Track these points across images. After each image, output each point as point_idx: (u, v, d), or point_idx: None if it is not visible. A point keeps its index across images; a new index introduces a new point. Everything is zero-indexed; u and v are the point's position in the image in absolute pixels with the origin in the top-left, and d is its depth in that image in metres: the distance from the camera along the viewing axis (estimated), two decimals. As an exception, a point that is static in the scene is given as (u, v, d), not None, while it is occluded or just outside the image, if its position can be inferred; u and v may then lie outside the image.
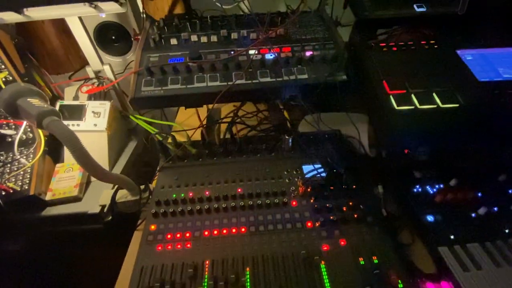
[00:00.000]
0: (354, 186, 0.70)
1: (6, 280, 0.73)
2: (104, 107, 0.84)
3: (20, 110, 0.55)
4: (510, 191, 0.68)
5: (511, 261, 0.57)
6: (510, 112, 0.57)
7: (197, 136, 0.83)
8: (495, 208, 0.65)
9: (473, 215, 0.64)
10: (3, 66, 0.75)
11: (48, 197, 0.74)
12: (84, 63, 1.37)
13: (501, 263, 0.57)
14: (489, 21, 0.79)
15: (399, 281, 0.53)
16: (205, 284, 0.53)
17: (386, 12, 0.85)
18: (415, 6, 0.86)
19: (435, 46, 0.70)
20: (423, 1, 0.87)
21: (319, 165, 0.74)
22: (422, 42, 0.71)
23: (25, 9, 0.74)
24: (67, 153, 0.84)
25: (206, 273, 0.55)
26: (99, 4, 0.75)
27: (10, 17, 0.74)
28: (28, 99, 0.55)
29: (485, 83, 0.62)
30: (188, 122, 1.06)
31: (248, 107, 0.96)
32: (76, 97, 0.88)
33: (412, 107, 0.57)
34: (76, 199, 0.75)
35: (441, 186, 0.70)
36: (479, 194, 0.68)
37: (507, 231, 0.62)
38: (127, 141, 0.98)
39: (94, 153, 0.84)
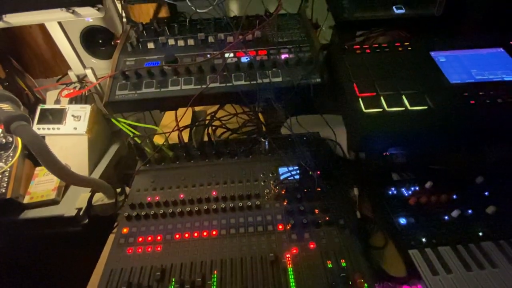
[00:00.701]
0: (329, 188, 0.70)
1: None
2: (84, 110, 0.85)
3: (-11, 115, 0.55)
4: (486, 193, 0.68)
5: (482, 265, 0.57)
6: (479, 114, 0.56)
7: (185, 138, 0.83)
8: (470, 211, 0.65)
9: (446, 218, 0.64)
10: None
11: (26, 200, 0.74)
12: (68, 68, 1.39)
13: (472, 267, 0.57)
14: (465, 22, 0.79)
15: (365, 284, 0.52)
16: (172, 286, 0.54)
17: (365, 14, 0.85)
18: (394, 8, 0.86)
19: (409, 48, 0.69)
20: (402, 3, 0.87)
21: (295, 167, 0.74)
22: (396, 44, 0.70)
23: (4, 16, 0.75)
24: (47, 157, 0.84)
25: (173, 276, 0.55)
26: (76, 9, 0.75)
27: (-10, 23, 0.75)
28: (-1, 104, 0.56)
29: (456, 85, 0.61)
30: (173, 125, 1.07)
31: (230, 109, 0.97)
32: (57, 101, 0.89)
33: (381, 109, 0.57)
34: (54, 202, 0.76)
35: (417, 188, 0.70)
36: (454, 197, 0.67)
37: (481, 234, 0.62)
38: (110, 143, 0.98)
39: (74, 156, 0.86)
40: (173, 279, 0.55)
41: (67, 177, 0.58)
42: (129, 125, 0.90)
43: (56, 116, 0.84)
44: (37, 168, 0.81)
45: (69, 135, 0.84)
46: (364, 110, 0.57)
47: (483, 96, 0.58)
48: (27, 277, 0.70)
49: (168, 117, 1.17)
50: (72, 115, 0.84)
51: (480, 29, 0.78)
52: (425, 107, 0.57)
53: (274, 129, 0.99)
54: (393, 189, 0.70)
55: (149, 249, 0.60)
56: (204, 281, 0.54)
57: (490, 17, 0.79)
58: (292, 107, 0.85)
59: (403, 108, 0.57)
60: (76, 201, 0.76)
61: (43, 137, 0.85)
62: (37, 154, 0.52)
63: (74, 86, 0.92)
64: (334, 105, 0.78)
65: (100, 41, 1.18)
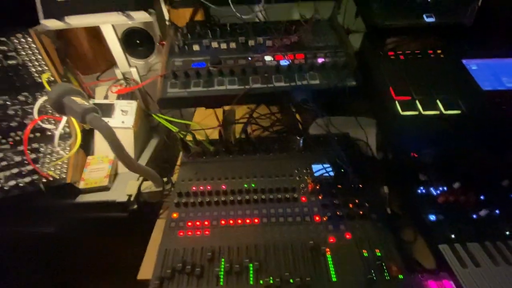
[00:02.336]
0: (360, 186, 0.74)
1: (38, 259, 0.82)
2: (131, 106, 0.93)
3: (65, 107, 0.63)
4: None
5: (509, 260, 0.60)
6: (510, 120, 0.60)
7: (214, 135, 0.89)
8: (497, 211, 0.68)
9: (474, 216, 0.68)
10: (46, 68, 0.84)
11: (81, 185, 0.82)
12: (109, 65, 1.48)
13: (500, 262, 0.61)
14: (495, 31, 0.82)
15: (400, 273, 0.57)
16: (222, 266, 0.60)
17: (396, 22, 0.89)
18: (424, 16, 0.90)
19: (441, 56, 0.74)
20: (433, 11, 0.91)
21: (328, 165, 0.79)
22: (429, 52, 0.75)
23: (66, 17, 0.83)
24: (97, 147, 0.92)
25: (223, 257, 0.61)
26: (131, 13, 0.83)
27: (53, 24, 0.83)
28: (72, 98, 0.63)
29: (488, 92, 0.65)
30: (204, 122, 1.13)
31: (261, 109, 1.02)
32: (106, 96, 0.97)
33: (416, 112, 0.62)
34: (105, 188, 0.83)
35: (445, 188, 0.74)
36: (482, 197, 0.71)
37: (507, 233, 0.65)
38: (149, 138, 1.06)
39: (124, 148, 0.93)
40: (223, 260, 0.61)
41: (130, 164, 0.65)
42: (168, 121, 0.97)
43: (106, 110, 0.92)
44: (89, 157, 0.89)
45: (117, 128, 0.91)
46: (401, 113, 0.62)
47: (513, 103, 0.62)
48: (80, 256, 0.78)
49: (198, 115, 1.23)
50: (121, 110, 0.91)
51: (511, 38, 0.81)
52: (459, 112, 0.61)
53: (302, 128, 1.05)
54: (422, 188, 0.74)
55: (198, 233, 0.67)
56: (251, 262, 0.60)
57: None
58: (323, 108, 0.91)
59: (437, 112, 0.62)
60: (123, 188, 0.83)
61: (92, 131, 0.93)
62: (109, 141, 0.59)
63: (120, 83, 1.00)
64: (366, 107, 0.83)
65: (138, 41, 1.26)
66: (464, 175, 0.74)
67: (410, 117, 0.61)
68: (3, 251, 0.78)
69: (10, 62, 0.80)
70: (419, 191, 0.74)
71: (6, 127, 0.83)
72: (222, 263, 0.60)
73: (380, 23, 0.88)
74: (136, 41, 1.26)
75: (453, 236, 0.65)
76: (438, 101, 0.63)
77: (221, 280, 0.58)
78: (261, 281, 0.58)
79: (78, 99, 0.63)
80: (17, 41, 0.80)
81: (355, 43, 1.02)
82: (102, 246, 0.80)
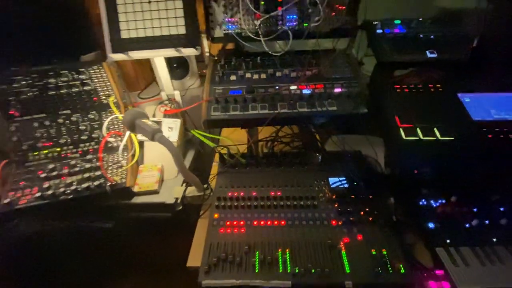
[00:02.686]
0: (370, 197, 0.89)
1: (97, 253, 0.98)
2: (176, 123, 1.11)
3: (136, 127, 0.81)
4: (501, 208, 0.84)
5: (495, 262, 0.73)
6: (496, 146, 0.74)
7: (241, 149, 1.06)
8: (486, 221, 0.81)
9: (467, 225, 0.81)
10: (112, 92, 1.04)
11: (136, 189, 0.99)
12: (148, 83, 1.69)
13: (486, 263, 0.73)
14: (488, 68, 0.96)
15: (401, 265, 0.71)
16: (257, 257, 0.75)
17: (402, 56, 1.05)
18: (427, 52, 1.05)
19: (440, 89, 0.88)
20: (435, 48, 1.06)
21: (343, 178, 0.93)
22: (429, 86, 0.89)
23: (129, 52, 1.02)
24: (146, 157, 1.10)
25: (257, 250, 0.76)
26: (182, 49, 1.02)
27: (118, 57, 1.02)
28: (142, 120, 0.81)
29: (477, 122, 0.79)
30: (231, 136, 1.30)
31: (284, 128, 1.19)
32: (154, 115, 1.15)
33: (417, 138, 0.76)
34: (155, 192, 1.00)
35: (443, 201, 0.87)
36: (474, 209, 0.84)
37: (494, 240, 0.78)
38: (186, 150, 1.23)
39: (166, 159, 1.11)
40: (257, 252, 0.76)
41: (185, 171, 0.83)
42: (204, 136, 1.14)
43: (155, 127, 1.10)
44: (141, 166, 1.06)
45: (164, 142, 1.09)
46: (404, 138, 0.77)
47: (498, 132, 0.76)
48: (133, 251, 0.94)
49: (225, 131, 1.40)
50: (168, 127, 1.09)
51: (500, 74, 0.95)
52: (452, 138, 0.75)
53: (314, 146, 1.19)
54: (423, 200, 0.88)
55: (236, 230, 0.82)
56: (282, 255, 0.75)
57: (509, 65, 0.96)
58: (338, 128, 1.06)
59: (434, 138, 0.76)
60: (169, 192, 1.00)
61: (143, 142, 1.11)
62: (173, 154, 0.77)
63: (165, 103, 1.18)
64: (374, 129, 0.97)
65: (175, 64, 1.47)
66: (460, 190, 0.87)
67: (412, 141, 0.76)
68: (70, 242, 0.95)
69: (86, 88, 1.00)
70: (420, 202, 0.87)
71: (77, 139, 1.02)
72: (257, 255, 0.75)
73: (389, 57, 1.04)
74: (173, 64, 1.46)
75: (448, 241, 0.78)
76: (435, 129, 0.78)
77: (257, 268, 0.73)
78: (289, 270, 0.72)
79: (146, 121, 0.81)
80: (92, 71, 1.00)
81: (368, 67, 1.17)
82: (152, 241, 0.96)
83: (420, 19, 1.17)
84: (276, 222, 0.84)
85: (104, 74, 1.01)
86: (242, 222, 0.84)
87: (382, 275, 0.71)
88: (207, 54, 1.16)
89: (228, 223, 0.84)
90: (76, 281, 0.89)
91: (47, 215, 0.93)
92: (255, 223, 0.84)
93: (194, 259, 0.83)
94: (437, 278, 0.73)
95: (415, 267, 0.75)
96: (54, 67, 0.98)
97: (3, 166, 0.95)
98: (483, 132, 0.76)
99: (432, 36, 1.11)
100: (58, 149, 1.00)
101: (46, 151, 0.98)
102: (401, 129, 0.78)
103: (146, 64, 1.66)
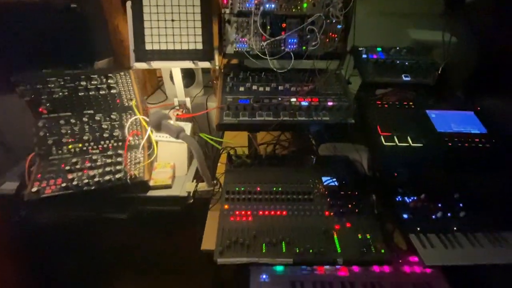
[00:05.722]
0: (356, 193, 1.05)
1: (113, 241, 1.07)
2: (188, 126, 1.24)
3: (162, 127, 0.94)
4: (460, 204, 1.03)
5: (455, 246, 0.91)
6: (455, 152, 0.94)
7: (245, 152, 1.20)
8: (449, 214, 1.00)
9: (433, 217, 0.99)
10: (133, 96, 1.16)
11: (152, 183, 1.11)
12: (154, 89, 1.82)
13: (448, 246, 0.91)
14: (450, 90, 1.19)
15: (382, 249, 0.87)
16: (264, 240, 0.88)
17: (382, 78, 1.26)
18: (403, 75, 1.28)
19: (412, 106, 1.09)
20: (409, 73, 1.28)
21: (334, 177, 1.10)
22: (404, 103, 1.10)
23: (151, 62, 1.16)
24: (159, 155, 1.22)
25: (263, 234, 0.90)
26: (198, 62, 1.17)
27: (142, 65, 1.16)
28: (167, 121, 0.94)
29: (441, 133, 1.00)
30: (234, 140, 1.45)
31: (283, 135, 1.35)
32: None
33: (394, 144, 0.95)
34: (168, 187, 1.12)
35: (415, 198, 1.05)
36: (439, 205, 1.03)
37: (455, 228, 0.96)
38: (194, 151, 1.36)
39: (178, 157, 1.23)
40: (263, 237, 0.89)
41: (203, 167, 0.95)
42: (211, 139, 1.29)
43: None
44: (155, 163, 1.18)
45: (177, 143, 1.21)
46: (384, 143, 0.95)
47: (457, 141, 0.96)
48: (148, 238, 1.04)
49: (227, 135, 1.55)
50: (180, 129, 1.22)
51: (460, 95, 1.18)
52: (421, 145, 0.95)
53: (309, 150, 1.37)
54: (399, 197, 1.05)
55: (244, 219, 0.95)
56: (283, 238, 0.89)
57: (467, 88, 1.20)
58: (328, 137, 1.24)
59: (407, 144, 0.95)
60: (181, 187, 1.12)
61: (157, 142, 1.23)
62: (194, 151, 0.90)
63: (177, 108, 1.32)
64: (359, 139, 1.16)
65: (182, 74, 1.61)
66: (428, 189, 1.06)
67: (390, 146, 0.94)
68: (90, 230, 1.04)
69: (112, 91, 1.12)
70: (397, 199, 1.05)
71: (99, 137, 1.12)
72: (263, 239, 0.89)
73: (372, 79, 1.25)
74: (182, 74, 1.61)
75: (418, 229, 0.95)
76: (408, 137, 0.97)
77: (263, 249, 0.87)
78: (290, 250, 0.86)
79: (170, 122, 0.95)
80: (119, 76, 1.13)
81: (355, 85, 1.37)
82: (166, 230, 1.07)
83: (397, 47, 1.41)
84: (278, 213, 0.98)
85: (129, 80, 1.14)
86: (249, 212, 0.98)
87: (366, 254, 0.86)
88: (217, 67, 1.32)
89: (237, 212, 0.97)
90: (94, 265, 0.98)
91: (70, 205, 1.02)
92: (260, 213, 0.98)
93: (208, 243, 0.94)
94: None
95: (393, 248, 0.91)
96: (86, 71, 1.10)
97: (31, 159, 1.04)
98: (445, 141, 0.96)
99: (406, 63, 1.34)
100: (80, 145, 1.10)
101: (70, 146, 1.08)
102: (381, 137, 0.97)
103: (154, 72, 1.80)
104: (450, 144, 0.95)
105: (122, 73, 1.13)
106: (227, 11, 1.21)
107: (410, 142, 0.95)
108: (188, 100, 1.33)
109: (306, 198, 1.02)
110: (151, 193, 1.10)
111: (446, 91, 1.22)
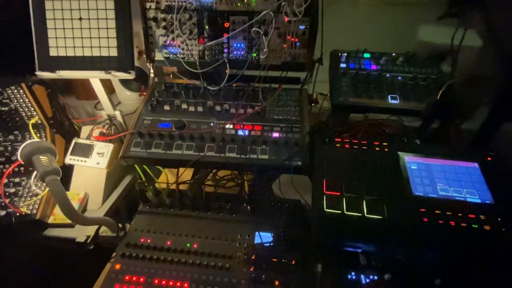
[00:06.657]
0: (293, 262, 0.78)
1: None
2: (108, 148, 1.02)
3: (32, 164, 0.73)
4: None
5: None
6: (429, 233, 0.62)
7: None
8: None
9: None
10: (35, 113, 0.96)
11: (51, 220, 0.92)
12: (109, 92, 1.61)
13: None
14: (451, 123, 0.83)
15: None
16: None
17: (360, 100, 0.93)
18: (389, 97, 0.93)
19: (385, 150, 0.76)
20: (399, 93, 0.93)
21: (269, 235, 0.83)
22: (375, 143, 0.77)
23: (57, 71, 0.94)
24: (73, 183, 1.03)
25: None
26: (113, 72, 0.93)
27: (46, 75, 0.94)
28: (40, 157, 0.73)
29: (417, 198, 0.67)
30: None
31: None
32: (88, 136, 1.07)
33: (339, 211, 0.65)
34: (71, 226, 0.92)
35: (375, 277, 0.75)
36: (408, 294, 0.72)
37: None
38: (125, 174, 1.15)
39: (93, 185, 1.03)
40: (144, 322, 0.67)
41: (79, 220, 0.73)
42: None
43: (85, 151, 1.02)
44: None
45: (92, 168, 1.01)
46: (325, 210, 0.65)
47: (438, 215, 0.63)
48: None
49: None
50: (97, 152, 1.01)
51: (466, 133, 0.82)
52: (381, 217, 0.64)
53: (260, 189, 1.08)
54: (353, 273, 0.76)
55: (132, 289, 0.74)
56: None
57: (478, 122, 0.83)
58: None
59: (360, 214, 0.64)
60: (87, 228, 0.92)
61: (72, 166, 1.04)
62: (59, 204, 0.68)
63: (104, 124, 1.10)
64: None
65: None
66: (398, 267, 0.75)
67: (333, 215, 0.65)
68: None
69: (3, 108, 0.93)
70: (349, 277, 0.76)
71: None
72: (142, 325, 0.67)
73: (344, 100, 0.92)
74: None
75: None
76: (364, 202, 0.66)
77: None
78: None
79: (44, 159, 0.73)
80: (10, 91, 0.93)
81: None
82: (59, 276, 0.89)
83: (393, 54, 1.04)
84: (178, 284, 0.74)
85: (24, 95, 0.94)
86: (142, 279, 0.75)
87: None
88: (151, 75, 1.07)
89: (127, 278, 0.76)
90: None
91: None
92: (156, 282, 0.75)
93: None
94: None
95: None
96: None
97: None
98: (420, 213, 0.64)
99: (399, 77, 0.98)
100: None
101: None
102: (324, 197, 0.67)
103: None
104: (425, 219, 0.63)
105: (13, 88, 0.92)
106: (152, 6, 0.94)
107: (365, 211, 0.64)
108: (118, 113, 1.11)
109: (221, 266, 0.77)
110: (49, 231, 0.92)
111: (446, 123, 0.86)
